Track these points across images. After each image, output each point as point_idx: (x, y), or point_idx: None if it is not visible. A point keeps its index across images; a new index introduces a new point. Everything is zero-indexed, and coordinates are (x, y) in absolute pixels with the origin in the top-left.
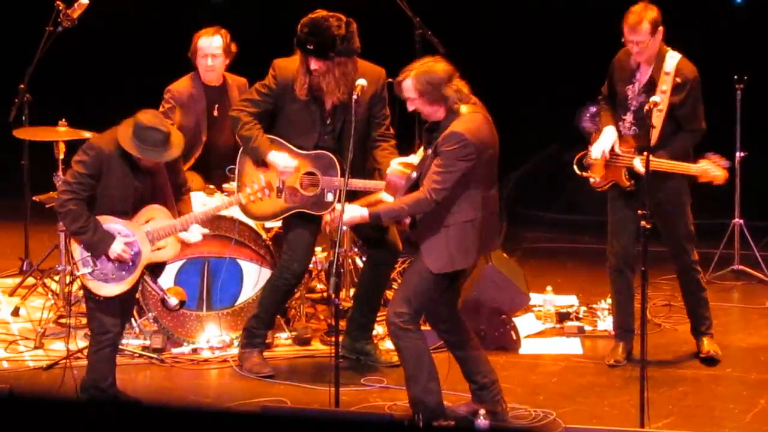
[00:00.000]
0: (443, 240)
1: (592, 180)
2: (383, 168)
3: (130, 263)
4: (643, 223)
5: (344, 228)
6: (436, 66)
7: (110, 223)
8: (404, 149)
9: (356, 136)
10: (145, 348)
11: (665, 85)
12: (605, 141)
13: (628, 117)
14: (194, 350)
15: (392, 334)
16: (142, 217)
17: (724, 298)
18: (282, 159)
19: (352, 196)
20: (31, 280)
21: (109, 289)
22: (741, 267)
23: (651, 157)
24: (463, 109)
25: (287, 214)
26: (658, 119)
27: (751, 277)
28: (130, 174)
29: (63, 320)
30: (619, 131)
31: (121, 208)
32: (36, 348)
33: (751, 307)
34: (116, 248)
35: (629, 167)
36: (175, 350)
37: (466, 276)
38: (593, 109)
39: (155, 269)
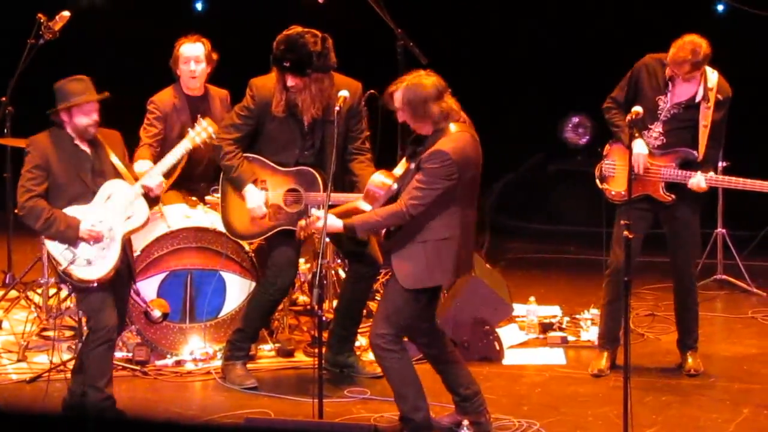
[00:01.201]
0: (418, 256)
1: (612, 192)
2: (361, 180)
3: (108, 240)
4: (626, 233)
5: (326, 239)
6: (425, 80)
7: (70, 211)
8: (387, 163)
9: (334, 150)
10: (128, 360)
11: (710, 102)
12: (642, 154)
13: (656, 127)
14: (178, 362)
15: (376, 355)
16: (103, 194)
17: (708, 308)
18: (253, 199)
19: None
20: (14, 293)
21: (99, 270)
22: (724, 276)
23: (719, 176)
24: (452, 127)
25: (272, 232)
26: (703, 135)
27: (734, 287)
28: (77, 156)
29: (46, 333)
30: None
31: (77, 192)
32: (19, 361)
33: (735, 317)
34: (84, 229)
35: (671, 181)
36: (158, 362)
37: (440, 292)
38: (576, 119)
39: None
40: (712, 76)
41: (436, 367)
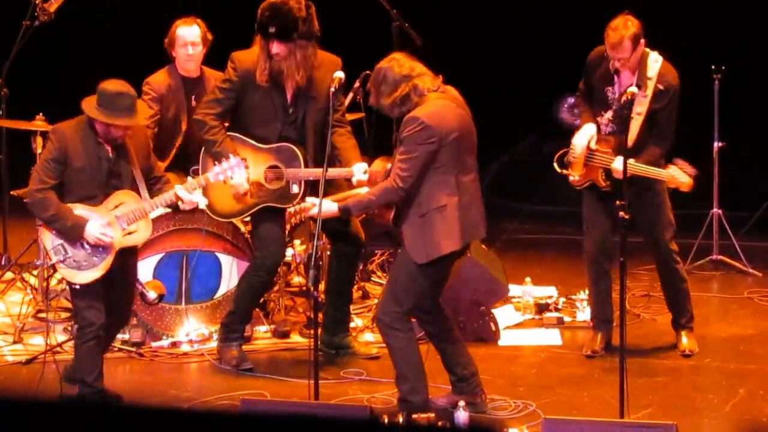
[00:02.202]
0: (421, 230)
1: (571, 178)
2: (342, 153)
3: (101, 249)
4: (621, 213)
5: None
6: (394, 63)
7: (77, 210)
8: (383, 147)
9: (315, 125)
10: (124, 342)
11: (648, 90)
12: (583, 137)
13: (607, 115)
14: (173, 344)
15: (381, 333)
16: (112, 202)
17: (703, 289)
18: (237, 176)
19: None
20: (9, 275)
21: (84, 276)
22: (720, 257)
23: (632, 163)
24: (428, 99)
25: (254, 209)
26: (636, 124)
27: (729, 267)
28: (97, 155)
29: (42, 315)
30: (598, 128)
31: (90, 191)
32: (15, 343)
33: (730, 297)
34: (92, 230)
35: (606, 168)
36: (154, 344)
37: (452, 263)
38: (571, 100)
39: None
40: (654, 65)
41: (436, 345)
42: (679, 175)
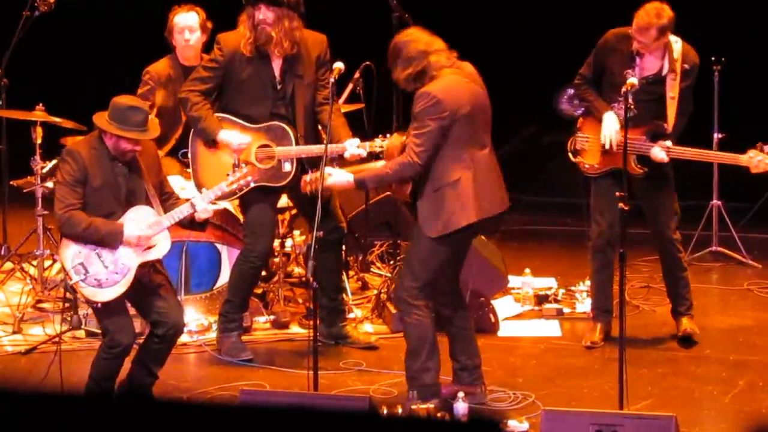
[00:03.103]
0: (435, 204)
1: (586, 165)
2: (333, 131)
3: (122, 265)
4: (621, 204)
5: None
6: (410, 38)
7: None
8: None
9: (304, 102)
10: None
11: (676, 72)
12: (611, 128)
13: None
14: None
15: (400, 309)
16: (129, 217)
17: (703, 280)
18: (234, 137)
19: (318, 162)
20: (9, 265)
21: (105, 294)
22: (719, 248)
23: (674, 147)
24: (442, 75)
25: (246, 189)
26: (671, 107)
27: (729, 259)
28: (113, 173)
29: (41, 305)
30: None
31: (109, 209)
32: (14, 333)
33: (730, 289)
34: (133, 231)
35: (642, 154)
36: None
37: (469, 238)
38: (571, 91)
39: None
40: (676, 45)
41: (447, 329)
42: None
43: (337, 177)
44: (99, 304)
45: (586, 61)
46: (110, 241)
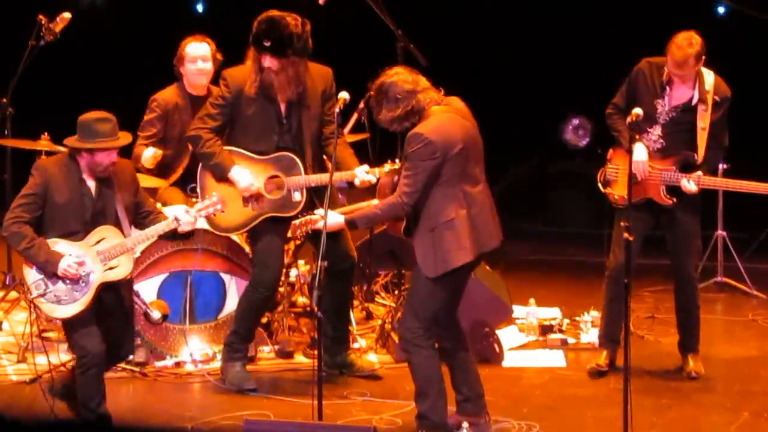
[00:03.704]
0: (431, 244)
1: (616, 196)
2: (342, 161)
3: (83, 284)
4: (625, 235)
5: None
6: (396, 77)
7: (58, 245)
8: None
9: (311, 133)
10: (128, 362)
11: (707, 103)
12: (643, 156)
13: (656, 130)
14: (177, 364)
15: (404, 350)
16: (93, 237)
17: (708, 310)
18: (244, 178)
19: (321, 192)
20: (14, 294)
21: (63, 311)
22: (724, 279)
23: (704, 177)
24: (431, 113)
25: (257, 221)
26: (701, 137)
27: (734, 289)
28: (80, 192)
29: (46, 334)
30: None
31: (72, 228)
32: (19, 362)
33: (735, 319)
34: (62, 265)
35: (672, 184)
36: (158, 363)
37: (467, 275)
38: (576, 121)
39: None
40: (709, 78)
41: (449, 362)
42: None
43: (329, 219)
44: (57, 321)
45: (619, 90)
46: (46, 269)
